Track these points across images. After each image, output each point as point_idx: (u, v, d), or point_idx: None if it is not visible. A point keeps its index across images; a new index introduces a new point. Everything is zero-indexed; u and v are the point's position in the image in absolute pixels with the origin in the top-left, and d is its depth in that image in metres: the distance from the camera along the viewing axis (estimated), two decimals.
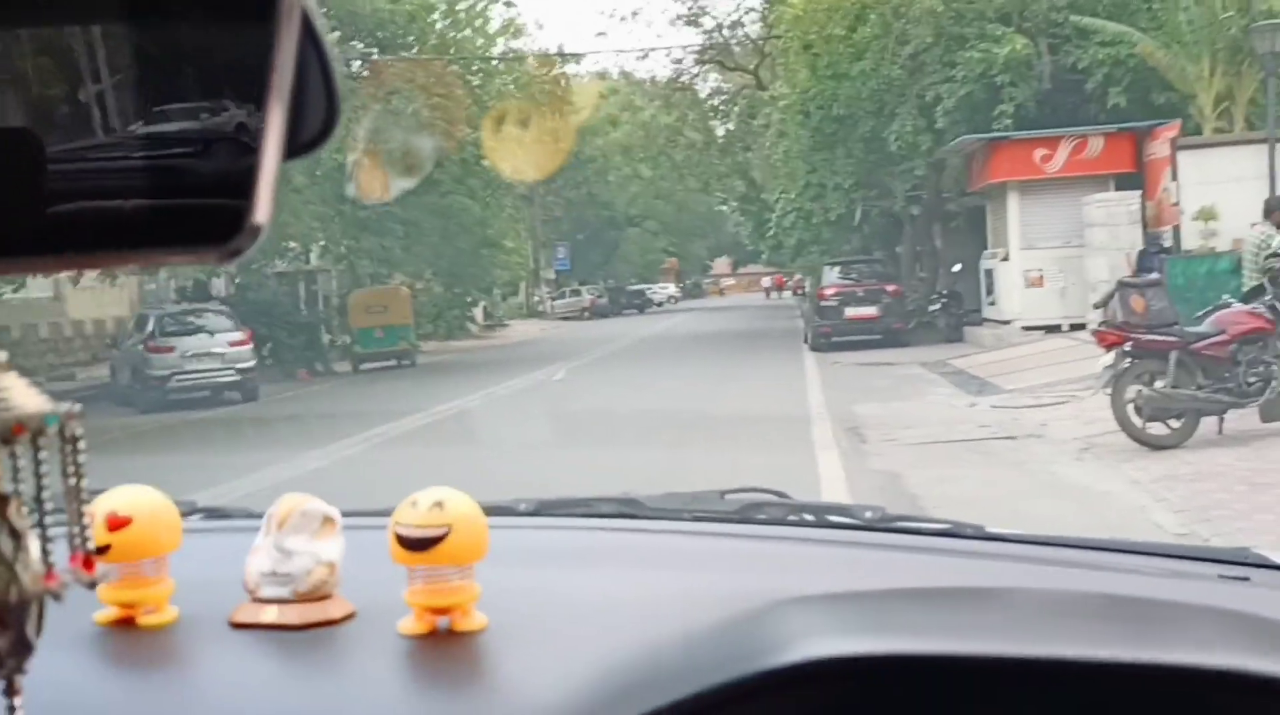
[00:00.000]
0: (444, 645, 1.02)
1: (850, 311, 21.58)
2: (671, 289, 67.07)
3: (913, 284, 24.26)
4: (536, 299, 50.83)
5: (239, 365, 18.88)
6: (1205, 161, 15.68)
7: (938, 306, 22.26)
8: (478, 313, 36.66)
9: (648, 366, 20.52)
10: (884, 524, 1.37)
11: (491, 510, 1.48)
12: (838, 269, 23.22)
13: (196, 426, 15.75)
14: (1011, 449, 9.45)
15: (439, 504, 1.04)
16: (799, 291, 35.79)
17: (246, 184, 0.57)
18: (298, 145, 0.61)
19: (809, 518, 1.42)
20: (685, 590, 1.11)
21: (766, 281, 64.49)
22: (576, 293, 51.39)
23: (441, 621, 1.04)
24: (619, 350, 26.02)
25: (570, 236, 52.17)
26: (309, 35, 0.58)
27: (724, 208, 57.20)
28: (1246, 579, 1.10)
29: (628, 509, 1.49)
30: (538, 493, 1.63)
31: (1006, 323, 18.88)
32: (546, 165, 27.63)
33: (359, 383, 22.33)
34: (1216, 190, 15.06)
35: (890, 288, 22.14)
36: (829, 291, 22.13)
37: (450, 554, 1.02)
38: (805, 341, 22.85)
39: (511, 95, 26.78)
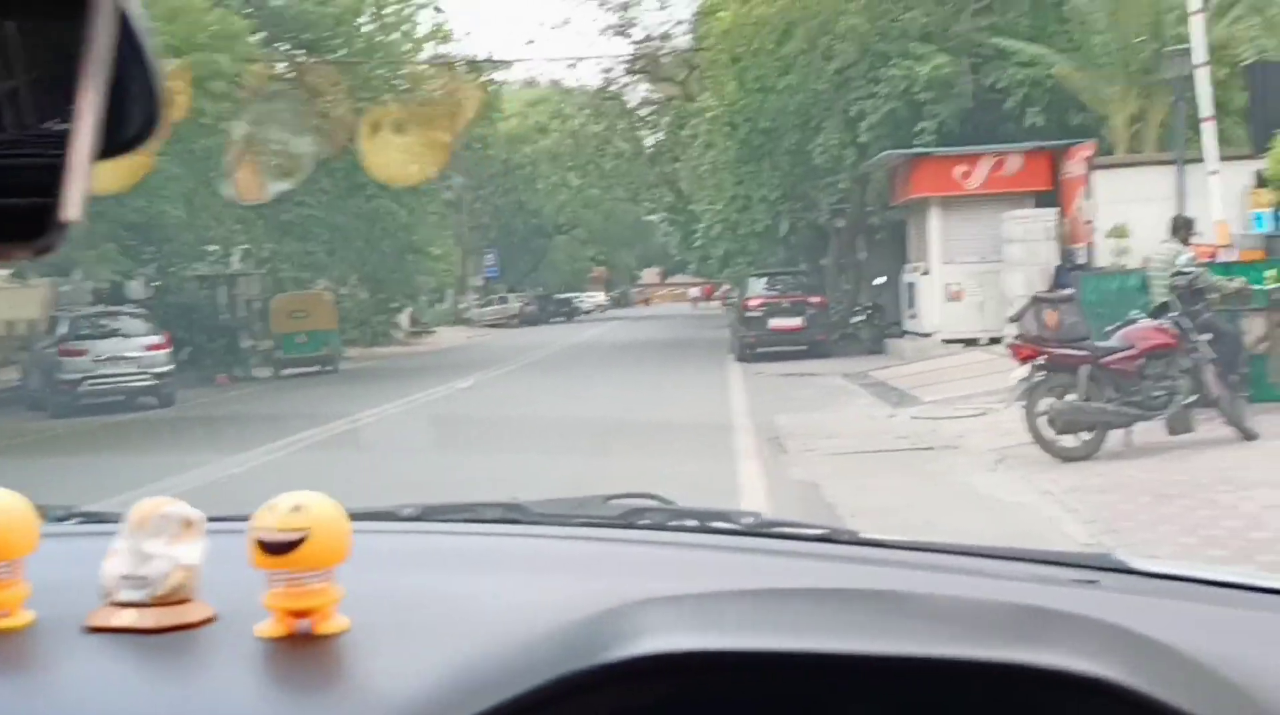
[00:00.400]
0: (302, 648, 1.01)
1: (775, 322, 21.76)
2: (600, 298, 67.14)
3: (837, 296, 24.54)
4: (464, 306, 50.52)
5: (155, 369, 18.47)
6: (1118, 181, 16.11)
7: (861, 318, 22.55)
8: (403, 319, 36.34)
9: (574, 374, 20.51)
10: (762, 529, 1.39)
11: (375, 515, 1.47)
12: (763, 280, 23.39)
13: (109, 431, 15.40)
14: (929, 460, 9.58)
15: (298, 507, 1.02)
16: (725, 302, 36.09)
17: (58, 181, 0.57)
18: (118, 144, 0.60)
19: (690, 523, 1.44)
20: (559, 594, 1.11)
21: (694, 291, 64.78)
22: (504, 300, 51.23)
23: (301, 624, 1.03)
24: (546, 357, 25.97)
25: (498, 244, 51.96)
26: (129, 35, 0.58)
27: (652, 217, 57.36)
28: (1095, 582, 1.14)
29: (511, 514, 1.49)
30: (442, 499, 1.62)
31: (927, 335, 19.17)
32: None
33: (280, 389, 21.99)
34: (1128, 209, 15.48)
35: (814, 299, 22.37)
36: (754, 302, 22.29)
37: (310, 557, 1.01)
38: (731, 351, 22.99)
39: (433, 100, 26.64)
